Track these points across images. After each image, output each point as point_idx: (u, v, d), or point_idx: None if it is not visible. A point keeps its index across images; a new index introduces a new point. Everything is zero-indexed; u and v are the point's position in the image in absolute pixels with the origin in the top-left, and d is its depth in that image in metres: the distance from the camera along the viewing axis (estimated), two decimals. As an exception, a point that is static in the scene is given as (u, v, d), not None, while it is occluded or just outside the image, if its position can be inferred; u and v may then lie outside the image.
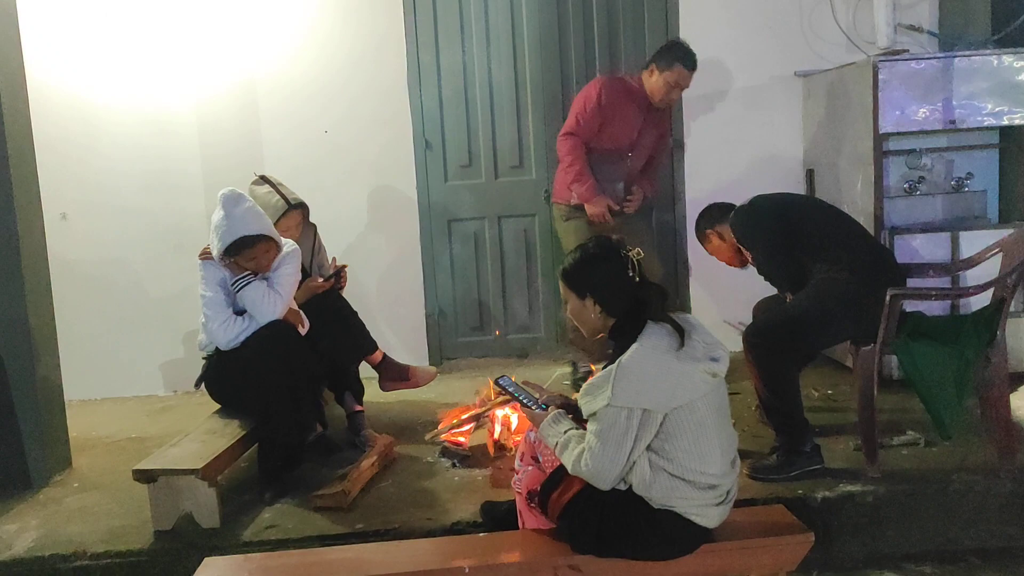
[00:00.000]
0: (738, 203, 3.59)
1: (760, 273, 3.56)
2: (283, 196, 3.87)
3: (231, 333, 3.41)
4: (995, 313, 3.17)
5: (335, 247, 4.64)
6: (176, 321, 4.84)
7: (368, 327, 4.05)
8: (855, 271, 3.21)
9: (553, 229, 4.60)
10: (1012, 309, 3.28)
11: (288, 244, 3.61)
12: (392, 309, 4.96)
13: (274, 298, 3.41)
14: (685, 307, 4.97)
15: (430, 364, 4.98)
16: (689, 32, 4.87)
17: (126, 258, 4.92)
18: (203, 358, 3.62)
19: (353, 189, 4.96)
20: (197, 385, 3.66)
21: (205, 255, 3.48)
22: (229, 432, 3.41)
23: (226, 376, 3.52)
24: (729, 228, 3.54)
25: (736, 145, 4.96)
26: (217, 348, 3.49)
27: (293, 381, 3.35)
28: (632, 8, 4.95)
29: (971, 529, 3.09)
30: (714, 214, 3.67)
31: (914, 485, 3.12)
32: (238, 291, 3.41)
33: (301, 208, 3.95)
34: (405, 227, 5.01)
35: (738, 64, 4.92)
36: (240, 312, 3.45)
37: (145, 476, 3.08)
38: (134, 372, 4.98)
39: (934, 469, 3.22)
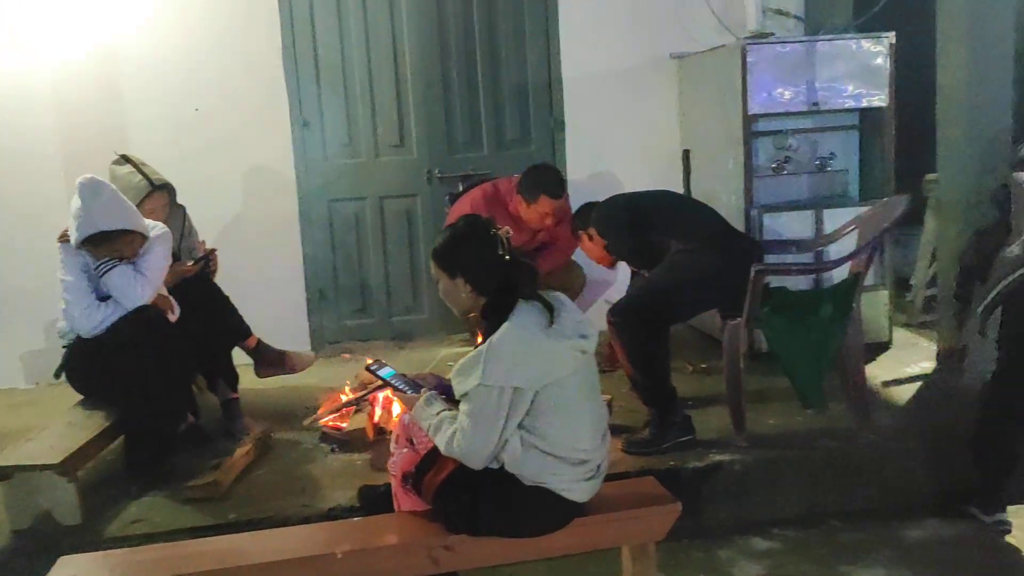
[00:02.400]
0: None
1: (619, 258, 3.71)
2: (146, 176, 3.69)
3: (94, 320, 3.26)
4: (851, 287, 3.33)
5: (208, 229, 4.47)
6: (36, 310, 4.54)
7: (245, 311, 3.92)
8: (706, 244, 3.37)
9: None
10: (867, 282, 3.45)
11: (158, 227, 3.46)
12: (271, 293, 4.80)
13: (142, 283, 3.27)
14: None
15: (311, 348, 4.89)
16: (567, 12, 4.92)
17: (-21, 244, 4.62)
18: (63, 347, 3.44)
19: (227, 169, 4.78)
20: (57, 375, 3.48)
21: (64, 238, 3.29)
22: (92, 424, 3.26)
23: (90, 365, 3.35)
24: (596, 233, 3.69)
25: (615, 125, 5.03)
26: (79, 336, 3.33)
27: (164, 368, 3.23)
28: (511, -14, 4.94)
29: (832, 493, 3.25)
30: (584, 215, 3.80)
31: (779, 452, 3.27)
32: (101, 276, 3.25)
33: (166, 189, 3.78)
34: (283, 208, 4.87)
35: (615, 45, 4.98)
36: (104, 297, 3.29)
37: (-2, 473, 2.91)
38: (-10, 364, 4.69)
39: (798, 436, 3.38)
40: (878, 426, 3.39)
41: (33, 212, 4.55)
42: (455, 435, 2.36)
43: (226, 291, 3.94)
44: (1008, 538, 3.05)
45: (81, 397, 3.51)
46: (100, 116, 4.62)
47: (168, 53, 4.65)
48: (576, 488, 2.42)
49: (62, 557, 2.50)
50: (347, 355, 4.48)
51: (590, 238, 3.78)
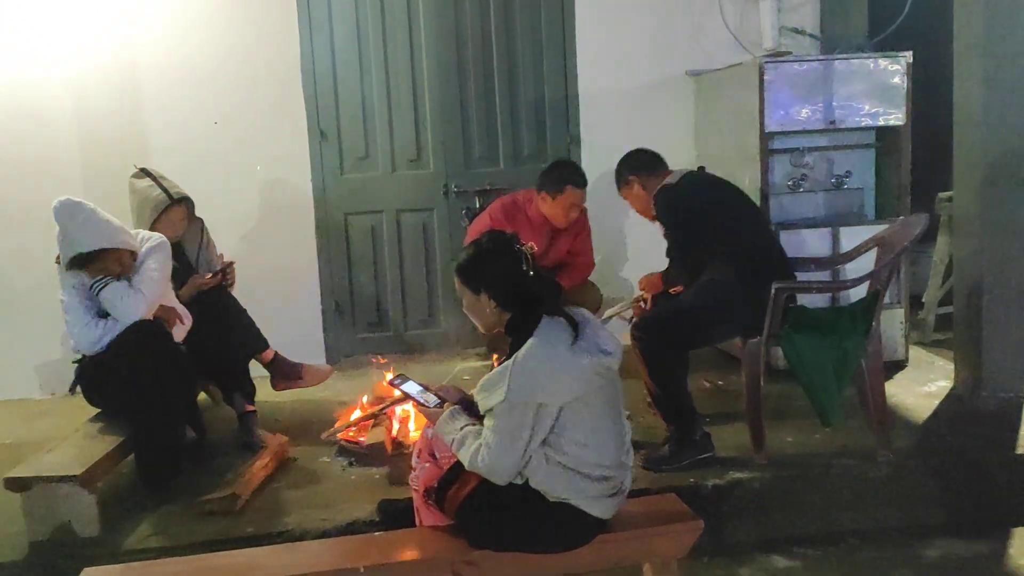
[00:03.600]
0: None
1: (667, 255, 3.58)
2: (165, 190, 3.71)
3: (92, 336, 3.28)
4: (871, 305, 3.32)
5: (226, 242, 4.50)
6: (52, 321, 4.47)
7: (261, 324, 3.94)
8: (742, 270, 3.31)
9: None
10: (886, 301, 3.44)
11: (154, 237, 3.47)
12: (287, 305, 4.82)
13: (135, 297, 3.28)
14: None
15: (327, 362, 4.90)
16: (584, 29, 4.95)
17: (-3, 253, 4.65)
18: (73, 362, 3.46)
19: (245, 181, 4.81)
20: (72, 390, 3.50)
21: (59, 260, 3.32)
22: (109, 437, 3.27)
23: (98, 381, 3.38)
24: (650, 184, 3.58)
25: (630, 141, 4.89)
26: (83, 352, 3.35)
27: (161, 382, 3.23)
28: (529, 2, 4.95)
29: (850, 511, 3.24)
30: (641, 161, 3.68)
31: (798, 470, 3.26)
32: (96, 293, 3.27)
33: (185, 202, 3.80)
34: (300, 221, 4.89)
35: (631, 62, 5.00)
36: (105, 314, 3.31)
37: (18, 484, 2.91)
38: (7, 374, 4.70)
39: (816, 455, 3.37)
40: (896, 445, 3.38)
41: (50, 222, 4.55)
42: (480, 450, 2.36)
43: (242, 303, 3.96)
44: (1026, 559, 3.04)
45: (96, 410, 3.52)
46: (119, 126, 4.64)
47: (187, 64, 4.68)
48: (600, 504, 2.42)
49: (86, 569, 2.50)
50: (381, 359, 4.39)
51: (643, 187, 3.65)
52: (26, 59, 4.53)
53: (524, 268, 2.43)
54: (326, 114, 4.86)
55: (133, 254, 3.34)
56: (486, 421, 2.37)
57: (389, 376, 2.79)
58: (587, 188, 4.19)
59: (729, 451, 3.38)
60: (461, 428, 2.46)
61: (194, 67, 4.69)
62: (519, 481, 2.39)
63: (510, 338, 2.46)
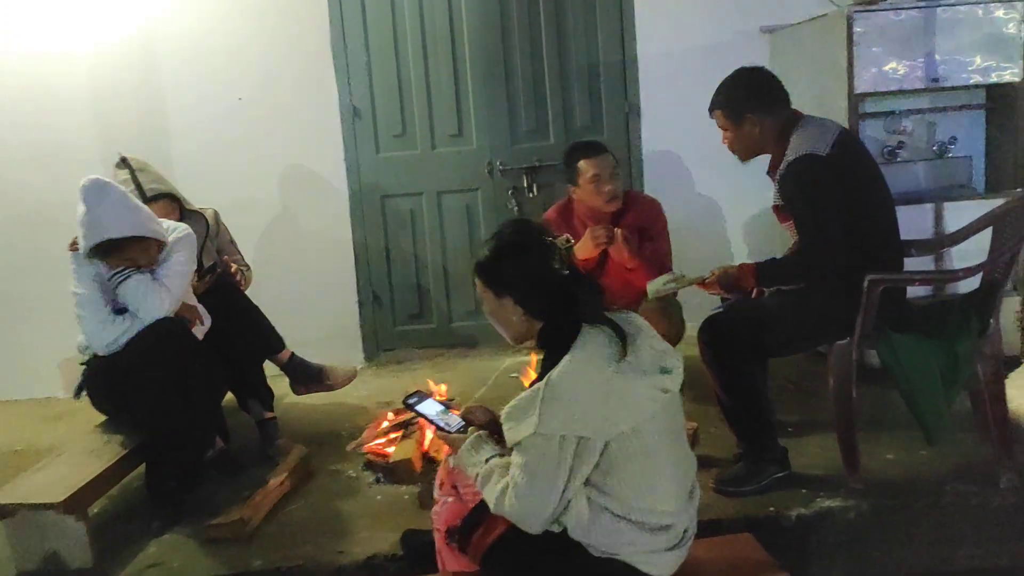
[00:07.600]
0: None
1: (800, 229, 2.79)
2: (139, 186, 3.33)
3: (110, 335, 2.95)
4: (986, 299, 2.76)
5: (253, 229, 4.20)
6: (72, 315, 4.30)
7: (293, 317, 3.66)
8: (848, 290, 2.66)
9: None
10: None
11: (180, 229, 3.14)
12: (320, 297, 4.50)
13: (160, 293, 2.94)
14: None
15: (364, 356, 4.60)
16: (645, -15, 4.42)
17: (15, 244, 4.40)
18: (80, 363, 3.13)
19: (273, 163, 4.47)
20: (77, 395, 3.19)
21: (75, 247, 2.98)
22: (109, 451, 2.95)
23: (108, 384, 3.04)
24: (767, 126, 2.89)
25: (697, 106, 4.39)
26: (96, 353, 3.01)
27: (187, 387, 2.90)
28: (580, -45, 4.45)
29: (968, 547, 2.71)
30: (764, 94, 2.94)
31: (902, 497, 2.73)
32: (116, 287, 2.93)
33: (160, 200, 3.38)
34: (333, 205, 4.52)
35: (697, 19, 4.44)
36: (121, 310, 2.97)
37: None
38: (30, 372, 4.48)
39: (924, 479, 2.83)
40: (1022, 464, 2.82)
41: (68, 211, 4.27)
42: (506, 491, 1.92)
43: (271, 295, 3.68)
44: None
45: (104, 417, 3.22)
46: (139, 106, 4.34)
47: (209, 38, 4.33)
48: (657, 560, 1.96)
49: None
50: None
51: (756, 127, 2.95)
52: (39, 32, 4.24)
53: (556, 265, 1.97)
54: (359, 88, 4.46)
55: (161, 245, 3.01)
56: (514, 457, 1.93)
57: (405, 399, 2.35)
58: (608, 154, 3.59)
59: (816, 471, 2.88)
60: (486, 460, 2.03)
61: (217, 41, 4.34)
62: (556, 529, 1.95)
63: (542, 352, 2.01)
